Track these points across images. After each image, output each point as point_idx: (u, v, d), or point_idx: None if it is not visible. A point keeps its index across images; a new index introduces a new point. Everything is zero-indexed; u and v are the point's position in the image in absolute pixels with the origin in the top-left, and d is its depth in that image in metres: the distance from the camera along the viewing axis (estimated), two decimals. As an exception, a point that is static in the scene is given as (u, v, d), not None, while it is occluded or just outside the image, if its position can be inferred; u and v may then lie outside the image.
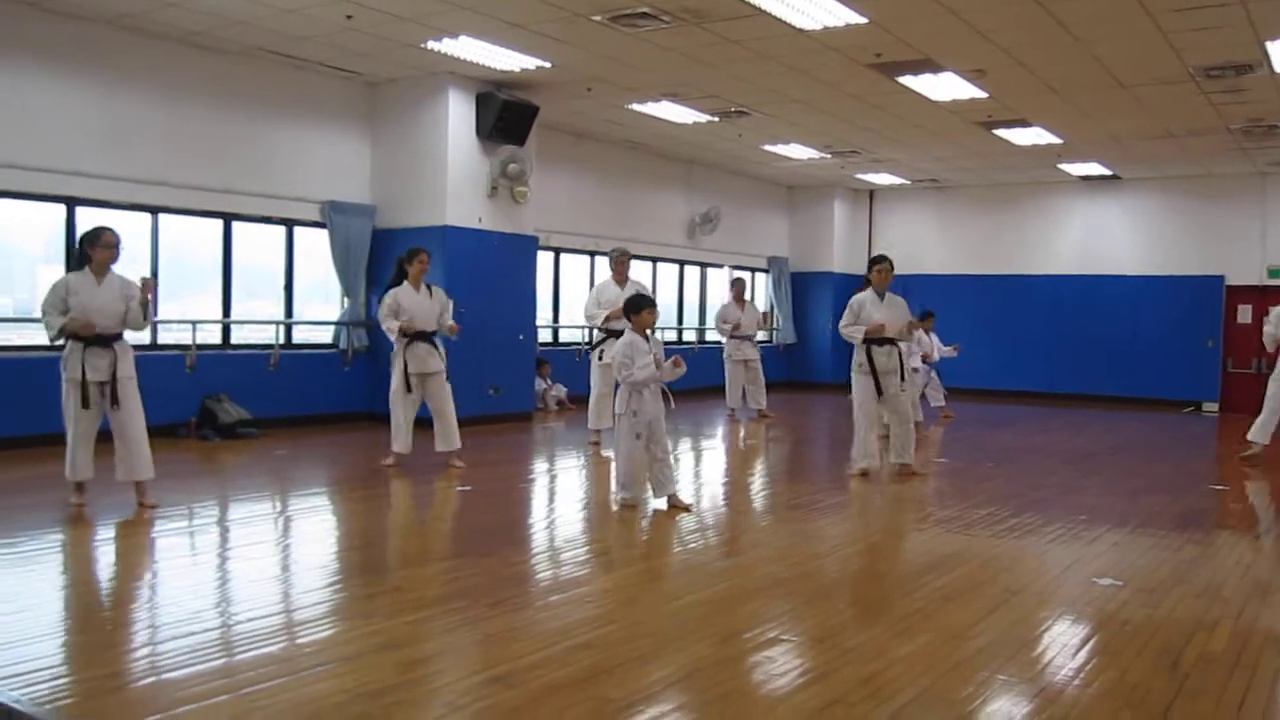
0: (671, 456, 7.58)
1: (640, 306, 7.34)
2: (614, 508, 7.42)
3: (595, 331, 10.81)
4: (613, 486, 7.63)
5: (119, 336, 6.97)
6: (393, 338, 8.75)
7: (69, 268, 6.91)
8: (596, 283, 11.28)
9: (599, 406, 10.56)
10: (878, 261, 9.07)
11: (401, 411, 8.83)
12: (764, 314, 13.92)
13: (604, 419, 10.48)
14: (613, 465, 7.83)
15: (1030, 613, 5.03)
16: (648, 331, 7.36)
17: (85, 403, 6.79)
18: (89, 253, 6.84)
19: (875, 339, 8.84)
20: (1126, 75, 10.76)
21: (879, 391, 8.86)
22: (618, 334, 10.39)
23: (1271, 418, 10.25)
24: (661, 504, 7.35)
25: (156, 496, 7.04)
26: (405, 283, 8.78)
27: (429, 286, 8.91)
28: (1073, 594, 5.40)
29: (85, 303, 6.74)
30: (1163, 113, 12.44)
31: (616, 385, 7.54)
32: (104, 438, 7.02)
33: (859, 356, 8.96)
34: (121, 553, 6.14)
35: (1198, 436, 13.84)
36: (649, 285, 16.42)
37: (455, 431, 8.99)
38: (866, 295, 9.01)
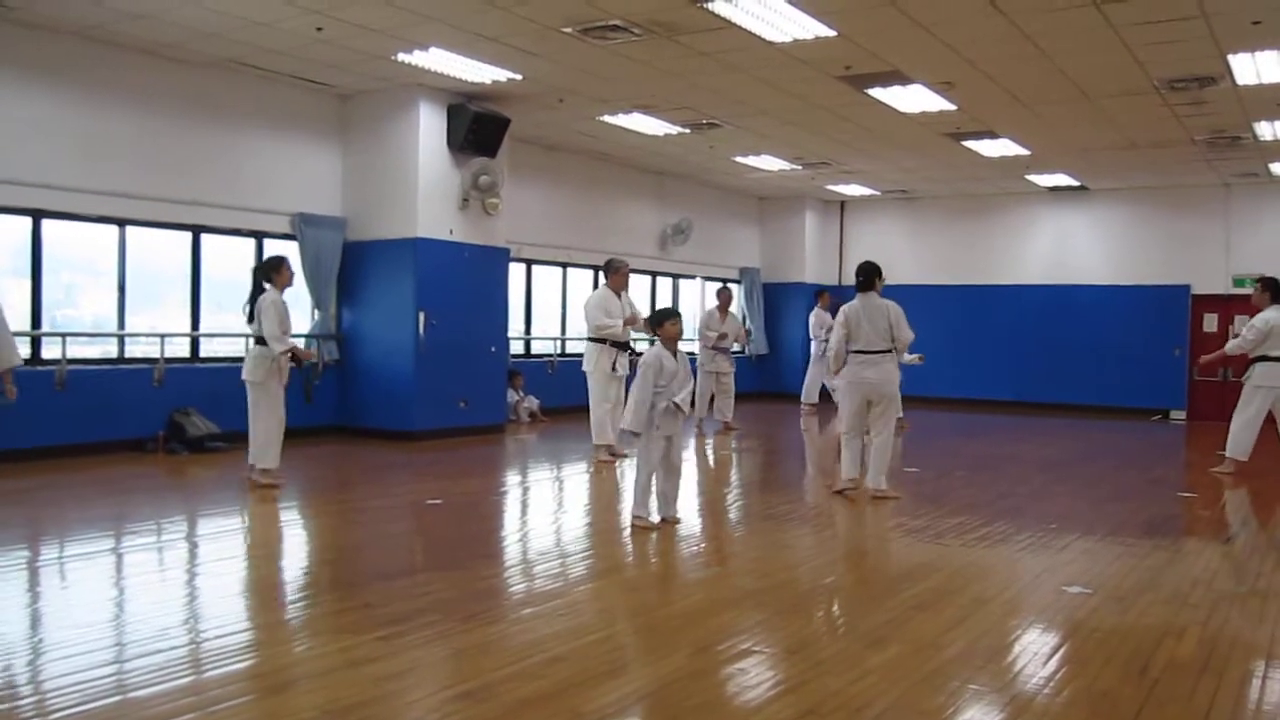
0: (679, 478, 7.43)
1: (664, 319, 7.29)
2: (627, 525, 7.22)
3: (596, 342, 10.43)
4: (629, 503, 7.47)
5: None
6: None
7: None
8: (592, 294, 10.94)
9: (609, 418, 10.29)
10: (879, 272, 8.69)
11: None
12: (746, 329, 13.99)
13: (609, 432, 10.34)
14: (629, 481, 7.73)
15: (1000, 621, 5.05)
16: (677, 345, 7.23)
17: None
18: None
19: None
20: (1092, 88, 10.88)
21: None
22: (620, 344, 10.38)
23: (1245, 430, 10.16)
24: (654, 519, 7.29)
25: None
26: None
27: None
28: (1043, 602, 5.43)
29: None
30: (1128, 125, 12.58)
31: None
32: None
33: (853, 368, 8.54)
34: (81, 571, 6.07)
35: (1166, 444, 13.97)
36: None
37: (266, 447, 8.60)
38: (859, 306, 8.55)
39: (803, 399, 16.97)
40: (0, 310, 6.72)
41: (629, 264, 10.96)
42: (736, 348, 14.64)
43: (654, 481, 7.23)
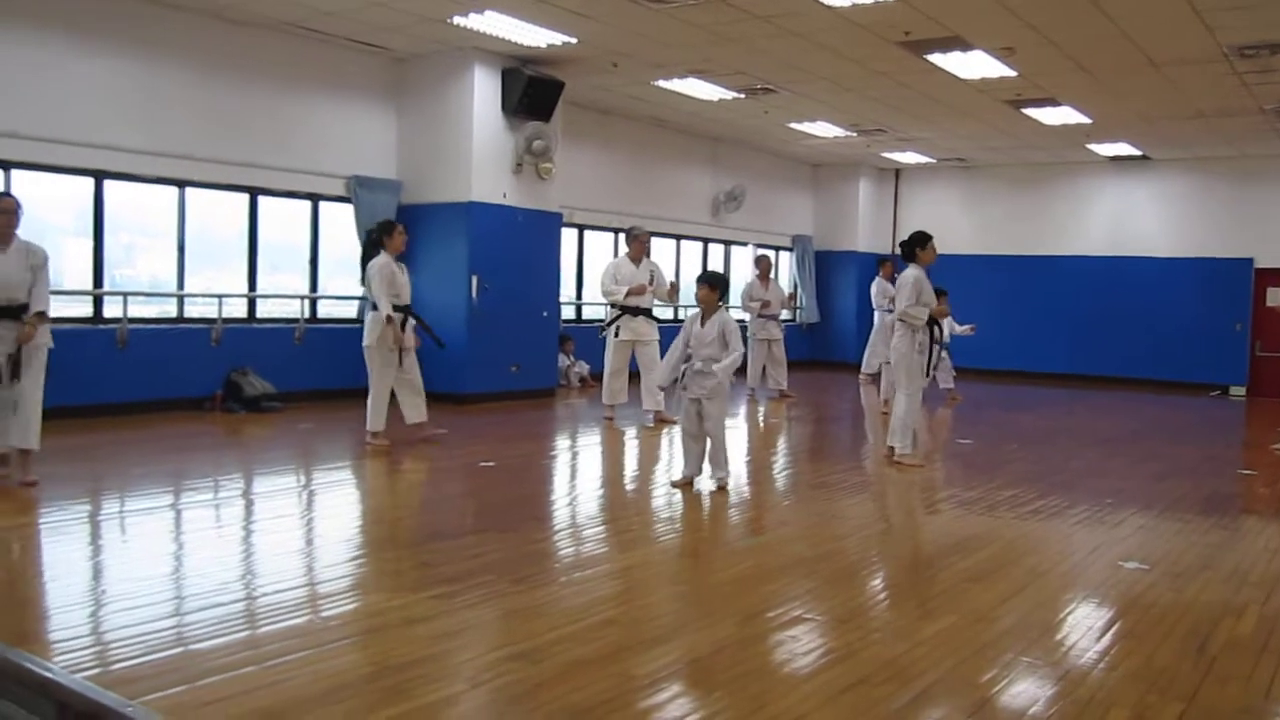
0: (722, 440, 7.41)
1: (697, 283, 7.41)
2: (677, 491, 7.31)
3: (610, 308, 10.78)
4: (678, 468, 7.65)
5: (25, 308, 6.55)
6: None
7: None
8: (613, 259, 11.21)
9: (613, 384, 10.68)
10: (929, 238, 8.74)
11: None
12: (790, 294, 13.93)
13: (619, 395, 10.68)
14: (678, 447, 7.84)
15: (1055, 595, 5.01)
16: (712, 310, 7.27)
17: (10, 376, 6.48)
18: None
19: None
20: (1158, 54, 10.62)
21: (925, 374, 8.74)
22: (634, 310, 10.46)
23: None
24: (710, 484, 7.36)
25: (38, 472, 6.66)
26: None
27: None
28: (1098, 577, 5.37)
29: None
30: (1194, 93, 12.28)
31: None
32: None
33: (921, 337, 8.60)
34: (143, 526, 6.19)
35: (1225, 420, 13.72)
36: (671, 264, 16.49)
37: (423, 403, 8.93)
38: (920, 273, 8.61)
39: (863, 368, 16.80)
40: (42, 266, 6.63)
41: (648, 232, 11.03)
42: (785, 315, 14.54)
43: (692, 443, 7.35)
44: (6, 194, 6.70)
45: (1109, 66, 11.22)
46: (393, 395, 8.80)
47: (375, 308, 8.55)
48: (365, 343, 8.66)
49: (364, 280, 8.69)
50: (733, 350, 7.15)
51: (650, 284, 10.58)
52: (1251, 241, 16.79)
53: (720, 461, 7.35)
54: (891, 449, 8.68)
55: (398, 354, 8.67)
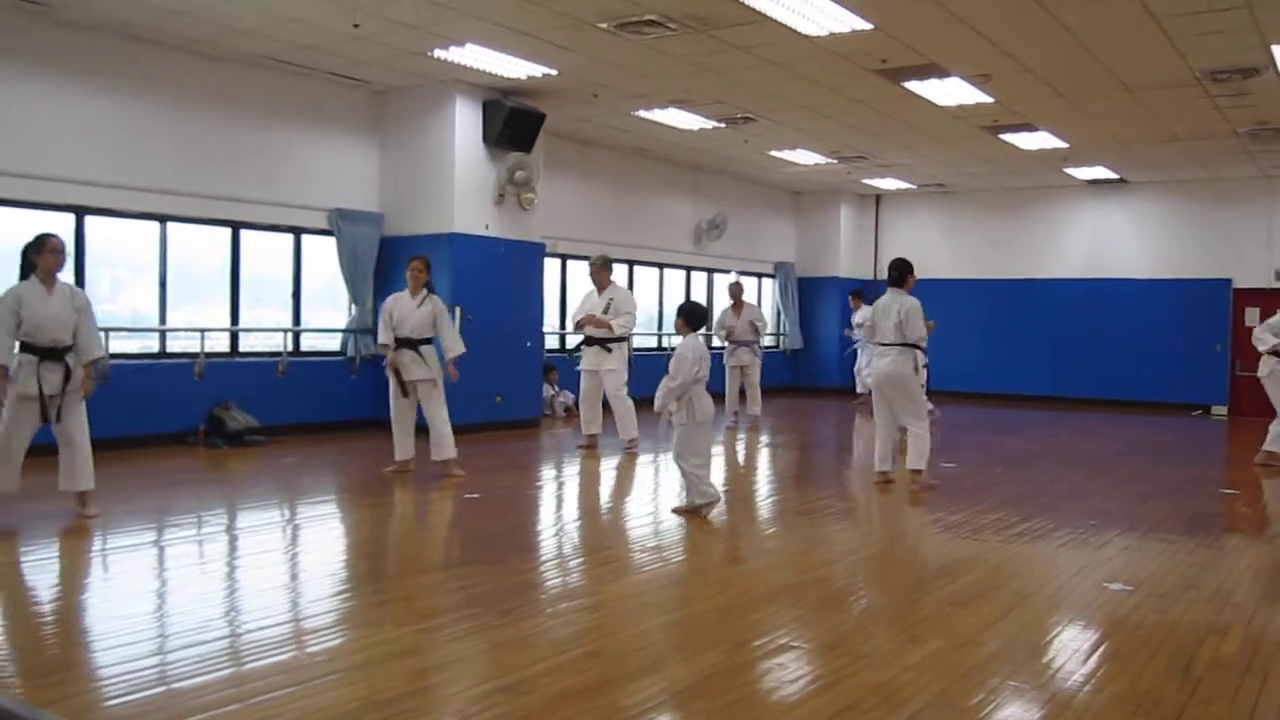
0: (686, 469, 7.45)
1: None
2: (663, 519, 7.41)
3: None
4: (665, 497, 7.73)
5: (70, 349, 6.66)
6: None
7: (21, 278, 6.60)
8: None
9: (584, 413, 10.95)
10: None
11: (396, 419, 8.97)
12: (752, 322, 13.87)
13: (590, 424, 10.89)
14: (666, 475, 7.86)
15: (1041, 618, 5.02)
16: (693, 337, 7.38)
17: (45, 417, 6.58)
18: (35, 260, 6.56)
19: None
20: (1132, 79, 10.75)
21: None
22: (588, 340, 10.58)
23: None
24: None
25: (98, 506, 6.87)
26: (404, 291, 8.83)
27: (428, 293, 8.88)
28: (1083, 599, 5.38)
29: (37, 314, 6.50)
30: (1169, 116, 12.43)
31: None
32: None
33: (924, 359, 8.86)
34: (125, 563, 6.14)
35: (1207, 440, 13.80)
36: (654, 293, 16.53)
37: (448, 439, 8.92)
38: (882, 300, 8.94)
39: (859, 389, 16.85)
40: (86, 308, 6.79)
41: (609, 258, 11.10)
42: (768, 340, 14.56)
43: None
44: (53, 234, 6.74)
45: (1084, 91, 11.35)
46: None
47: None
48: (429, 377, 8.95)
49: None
50: (671, 375, 7.19)
51: (604, 312, 10.62)
52: (1229, 262, 16.96)
53: (689, 488, 7.44)
54: (904, 472, 8.81)
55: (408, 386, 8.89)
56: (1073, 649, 4.52)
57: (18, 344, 6.54)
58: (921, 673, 4.12)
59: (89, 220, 9.85)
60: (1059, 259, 18.44)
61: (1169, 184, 17.40)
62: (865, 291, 17.25)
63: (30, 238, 6.68)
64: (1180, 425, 15.21)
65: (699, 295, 17.90)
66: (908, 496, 8.42)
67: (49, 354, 6.58)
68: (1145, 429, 14.50)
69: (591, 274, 10.91)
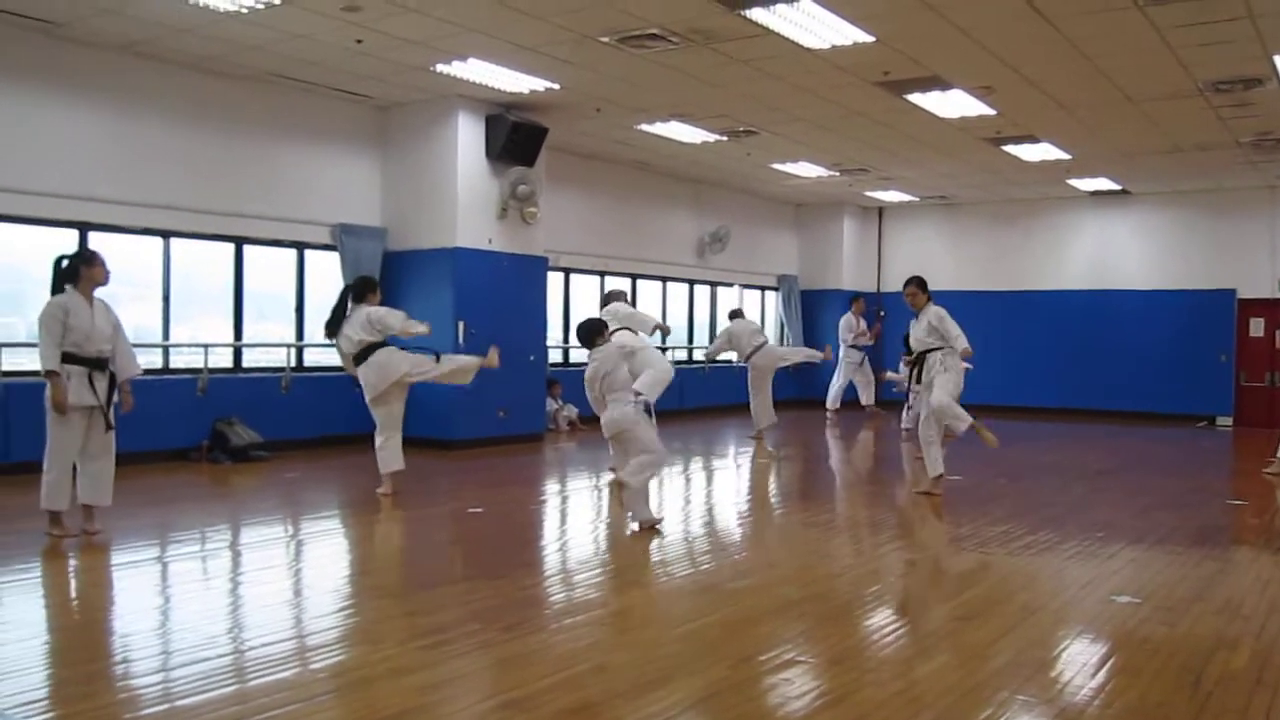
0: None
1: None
2: (667, 534, 7.33)
3: None
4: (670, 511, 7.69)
5: (111, 359, 6.81)
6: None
7: (53, 292, 6.67)
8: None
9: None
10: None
11: None
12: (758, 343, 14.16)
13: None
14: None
15: (1049, 631, 4.99)
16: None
17: (108, 424, 6.74)
18: (84, 272, 6.66)
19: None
20: (1135, 91, 10.75)
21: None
22: None
23: None
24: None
25: (101, 522, 6.88)
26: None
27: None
28: (1091, 612, 5.35)
29: (84, 325, 6.62)
30: (1172, 128, 12.42)
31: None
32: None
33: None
34: (128, 579, 6.12)
35: (1212, 451, 13.76)
36: (657, 305, 16.54)
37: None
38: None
39: (830, 404, 16.86)
40: (119, 325, 6.89)
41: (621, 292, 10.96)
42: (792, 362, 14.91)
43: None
44: (95, 250, 6.91)
45: (1087, 103, 11.35)
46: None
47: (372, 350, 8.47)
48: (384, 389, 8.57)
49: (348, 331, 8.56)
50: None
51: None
52: (1233, 273, 16.92)
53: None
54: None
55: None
56: (1081, 662, 4.49)
57: (59, 353, 6.56)
58: (929, 687, 4.09)
59: (93, 236, 9.84)
60: (1062, 271, 18.42)
61: (1172, 195, 17.39)
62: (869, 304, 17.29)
63: (74, 250, 6.93)
64: (1185, 436, 15.16)
65: (703, 308, 17.92)
66: (913, 510, 8.38)
67: (96, 365, 6.70)
68: (1150, 440, 14.45)
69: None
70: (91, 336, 6.65)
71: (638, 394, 7.23)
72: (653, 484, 7.50)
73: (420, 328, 8.31)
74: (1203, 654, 4.56)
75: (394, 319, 8.33)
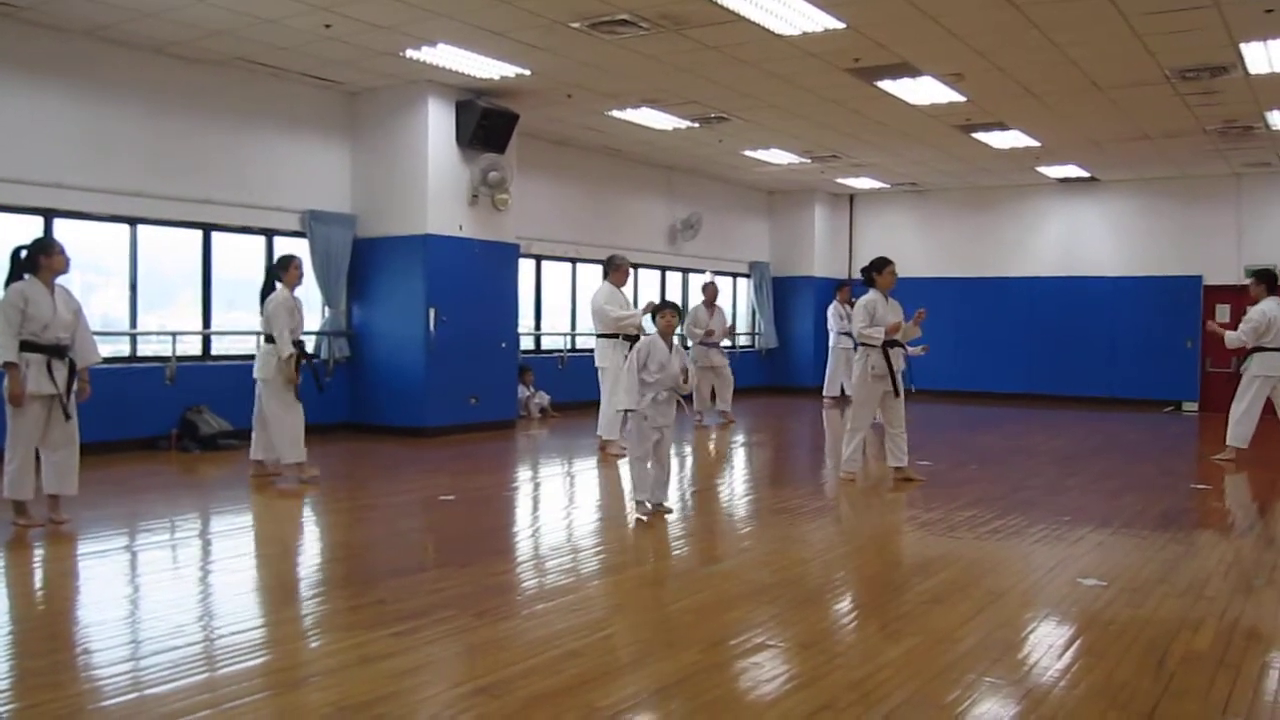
0: (671, 467, 7.51)
1: (659, 310, 7.47)
2: (634, 513, 7.36)
3: (608, 338, 10.59)
4: (628, 491, 7.68)
5: (69, 348, 6.73)
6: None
7: (8, 281, 6.64)
8: (599, 290, 10.80)
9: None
10: (887, 263, 9.01)
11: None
12: (729, 325, 14.28)
13: (618, 429, 10.25)
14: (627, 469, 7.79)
15: (1016, 614, 5.04)
16: (673, 338, 7.31)
17: (66, 414, 6.67)
18: (43, 262, 6.61)
19: (887, 341, 8.78)
20: (1103, 78, 10.83)
21: (895, 393, 8.80)
22: (634, 339, 10.34)
23: (1244, 418, 10.43)
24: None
25: (69, 511, 6.84)
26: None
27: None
28: (1058, 595, 5.41)
29: (44, 313, 6.56)
30: (1139, 115, 12.53)
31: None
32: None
33: (875, 359, 8.77)
34: (95, 568, 6.07)
35: (1178, 436, 13.91)
36: (629, 292, 16.49)
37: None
38: (876, 297, 8.87)
39: (825, 391, 16.98)
40: (81, 311, 6.84)
41: (629, 259, 11.04)
42: (726, 342, 14.68)
43: (648, 470, 7.28)
44: (54, 239, 6.89)
45: (1056, 91, 11.42)
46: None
47: (271, 340, 8.48)
48: (264, 376, 8.57)
49: (262, 313, 8.56)
50: (686, 376, 7.29)
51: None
52: (1199, 259, 17.11)
53: (665, 485, 7.41)
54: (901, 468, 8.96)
55: (295, 387, 8.59)
56: (1048, 644, 4.54)
57: (17, 342, 6.50)
58: (898, 670, 4.12)
59: (58, 223, 9.73)
60: (1031, 257, 18.55)
61: (1139, 182, 17.55)
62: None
63: (30, 240, 6.81)
64: (1152, 421, 15.33)
65: (674, 295, 17.92)
66: (882, 495, 8.44)
67: (55, 352, 6.64)
68: (1117, 425, 14.60)
69: (613, 274, 10.72)
70: (51, 325, 6.59)
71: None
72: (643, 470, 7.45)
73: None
74: (1167, 635, 4.63)
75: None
